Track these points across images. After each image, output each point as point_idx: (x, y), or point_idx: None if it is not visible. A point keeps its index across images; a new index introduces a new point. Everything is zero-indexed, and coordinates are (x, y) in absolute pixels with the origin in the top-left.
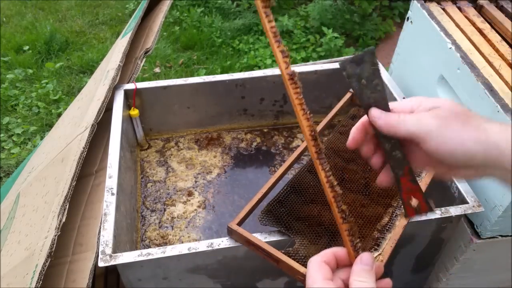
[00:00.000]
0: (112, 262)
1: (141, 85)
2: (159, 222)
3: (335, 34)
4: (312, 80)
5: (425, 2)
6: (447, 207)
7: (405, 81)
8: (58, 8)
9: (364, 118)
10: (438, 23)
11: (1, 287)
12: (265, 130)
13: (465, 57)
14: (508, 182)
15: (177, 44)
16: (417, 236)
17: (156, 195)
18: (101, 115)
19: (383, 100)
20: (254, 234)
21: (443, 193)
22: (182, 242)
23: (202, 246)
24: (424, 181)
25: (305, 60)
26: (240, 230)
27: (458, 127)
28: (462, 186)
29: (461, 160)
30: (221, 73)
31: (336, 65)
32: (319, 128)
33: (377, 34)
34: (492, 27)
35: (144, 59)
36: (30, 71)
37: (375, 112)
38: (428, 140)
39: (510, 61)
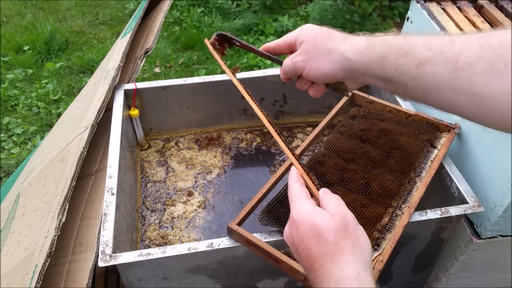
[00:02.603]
0: (112, 262)
1: (141, 85)
2: (159, 222)
3: None
4: None
5: (425, 2)
6: (447, 207)
7: None
8: (58, 8)
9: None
10: (438, 23)
11: (1, 287)
12: (265, 130)
13: None
14: (382, 89)
15: (177, 44)
16: (417, 236)
17: (156, 195)
18: (101, 115)
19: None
20: (254, 234)
21: (443, 193)
22: (182, 242)
23: (202, 246)
24: (424, 181)
25: None
26: (240, 230)
27: (317, 56)
28: (462, 186)
29: (328, 79)
30: (221, 73)
31: None
32: (319, 128)
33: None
34: (492, 27)
35: (144, 59)
36: (30, 71)
37: (281, 70)
38: (302, 72)
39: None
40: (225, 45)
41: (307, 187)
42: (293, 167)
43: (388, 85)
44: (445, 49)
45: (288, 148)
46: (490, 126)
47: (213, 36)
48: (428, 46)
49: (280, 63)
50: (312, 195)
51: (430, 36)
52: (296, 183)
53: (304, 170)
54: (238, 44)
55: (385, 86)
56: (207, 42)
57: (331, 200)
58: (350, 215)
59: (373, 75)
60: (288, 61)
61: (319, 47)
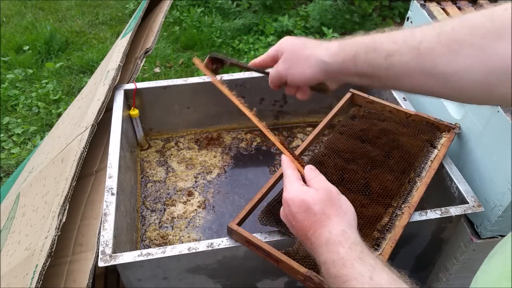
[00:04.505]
0: (112, 262)
1: (141, 85)
2: (159, 222)
3: (335, 34)
4: None
5: (425, 2)
6: (447, 207)
7: None
8: (58, 8)
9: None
10: None
11: (1, 287)
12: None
13: None
14: (358, 84)
15: (177, 44)
16: (417, 236)
17: (156, 195)
18: (101, 115)
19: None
20: (254, 234)
21: (443, 193)
22: (182, 242)
23: (202, 246)
24: (424, 181)
25: None
26: (240, 230)
27: (297, 63)
28: (462, 186)
29: (310, 82)
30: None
31: None
32: (319, 128)
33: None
34: None
35: (144, 59)
36: (30, 71)
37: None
38: (286, 79)
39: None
40: (217, 65)
41: (299, 170)
42: (283, 156)
43: (363, 79)
44: (408, 40)
45: (275, 137)
46: (458, 100)
47: (206, 58)
48: (392, 39)
49: (266, 73)
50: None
51: (393, 31)
52: (288, 169)
53: (292, 155)
54: (229, 63)
55: (360, 81)
56: (198, 63)
57: (315, 176)
58: (332, 187)
59: (349, 72)
60: (272, 71)
61: (297, 55)
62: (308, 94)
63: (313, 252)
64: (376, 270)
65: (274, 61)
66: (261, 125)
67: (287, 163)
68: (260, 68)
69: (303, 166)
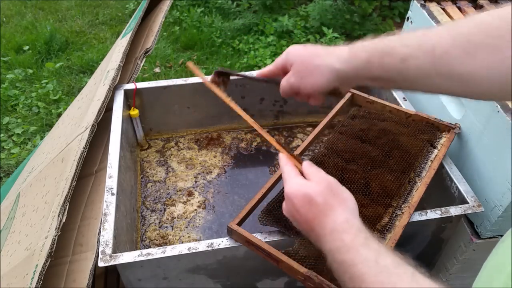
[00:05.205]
0: (112, 262)
1: (141, 85)
2: (159, 222)
3: (335, 34)
4: None
5: (425, 2)
6: (447, 207)
7: None
8: (58, 8)
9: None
10: (438, 23)
11: (1, 287)
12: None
13: None
14: (371, 86)
15: (177, 44)
16: (417, 236)
17: (156, 195)
18: (101, 115)
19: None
20: (254, 234)
21: (443, 193)
22: (182, 242)
23: (202, 246)
24: (424, 181)
25: None
26: (240, 230)
27: (309, 73)
28: (462, 186)
29: (323, 89)
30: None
31: None
32: (319, 128)
33: (377, 34)
34: None
35: (144, 59)
36: (30, 71)
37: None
38: (299, 90)
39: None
40: (224, 78)
41: (296, 166)
42: (280, 154)
43: (376, 82)
44: (422, 43)
45: (271, 137)
46: (473, 98)
47: (213, 74)
48: (405, 43)
49: (276, 82)
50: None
51: (404, 34)
52: (286, 165)
53: (288, 152)
54: (234, 75)
55: (373, 83)
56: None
57: (314, 170)
58: (331, 179)
59: (361, 76)
60: (284, 83)
61: (308, 65)
62: (321, 100)
63: (318, 243)
64: (381, 254)
65: (282, 71)
66: (257, 126)
67: (285, 160)
68: (269, 79)
69: (300, 163)
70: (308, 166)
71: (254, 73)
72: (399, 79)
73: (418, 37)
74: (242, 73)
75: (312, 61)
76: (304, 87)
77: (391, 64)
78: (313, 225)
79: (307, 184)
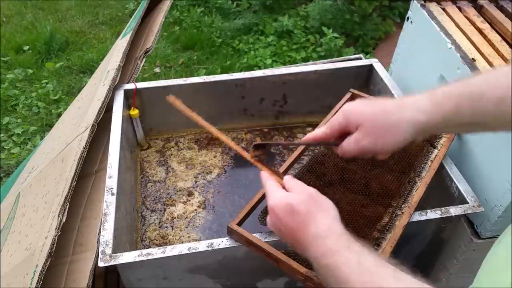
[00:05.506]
0: (112, 262)
1: (141, 85)
2: (159, 222)
3: (335, 34)
4: (312, 80)
5: (425, 2)
6: (447, 207)
7: (405, 81)
8: (58, 8)
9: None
10: (438, 23)
11: (1, 287)
12: (265, 130)
13: (465, 57)
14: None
15: (177, 44)
16: (417, 236)
17: (156, 195)
18: (101, 115)
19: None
20: (254, 234)
21: (443, 193)
22: (182, 242)
23: (202, 246)
24: (424, 181)
25: (305, 60)
26: (240, 230)
27: (385, 132)
28: (462, 186)
29: (402, 146)
30: (221, 73)
31: (336, 65)
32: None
33: (377, 34)
34: (492, 27)
35: (144, 59)
36: (30, 71)
37: (340, 151)
38: (374, 152)
39: (510, 61)
40: (263, 150)
41: (278, 181)
42: (262, 172)
43: (465, 128)
44: None
45: (249, 155)
46: None
47: (250, 150)
48: (494, 85)
49: (333, 144)
50: (283, 186)
51: (489, 75)
52: (268, 181)
53: (269, 169)
54: (274, 145)
55: (461, 130)
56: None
57: (295, 183)
58: (312, 189)
59: (451, 125)
60: (352, 146)
61: (382, 124)
62: (390, 153)
63: (303, 251)
64: (363, 255)
65: (339, 134)
66: (238, 148)
67: (266, 176)
68: (322, 142)
69: (281, 178)
70: (289, 179)
71: (304, 138)
72: (495, 122)
73: (506, 77)
74: (283, 142)
75: (388, 120)
76: (381, 148)
77: (485, 109)
78: (297, 235)
79: (289, 195)
